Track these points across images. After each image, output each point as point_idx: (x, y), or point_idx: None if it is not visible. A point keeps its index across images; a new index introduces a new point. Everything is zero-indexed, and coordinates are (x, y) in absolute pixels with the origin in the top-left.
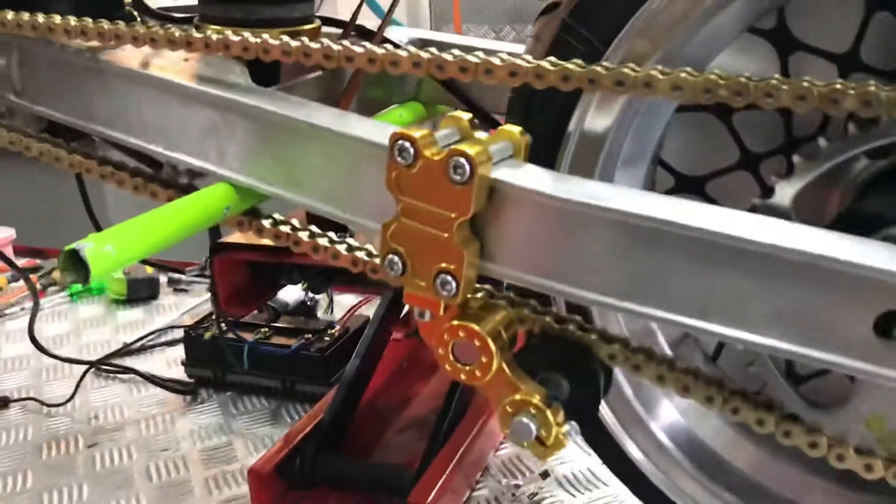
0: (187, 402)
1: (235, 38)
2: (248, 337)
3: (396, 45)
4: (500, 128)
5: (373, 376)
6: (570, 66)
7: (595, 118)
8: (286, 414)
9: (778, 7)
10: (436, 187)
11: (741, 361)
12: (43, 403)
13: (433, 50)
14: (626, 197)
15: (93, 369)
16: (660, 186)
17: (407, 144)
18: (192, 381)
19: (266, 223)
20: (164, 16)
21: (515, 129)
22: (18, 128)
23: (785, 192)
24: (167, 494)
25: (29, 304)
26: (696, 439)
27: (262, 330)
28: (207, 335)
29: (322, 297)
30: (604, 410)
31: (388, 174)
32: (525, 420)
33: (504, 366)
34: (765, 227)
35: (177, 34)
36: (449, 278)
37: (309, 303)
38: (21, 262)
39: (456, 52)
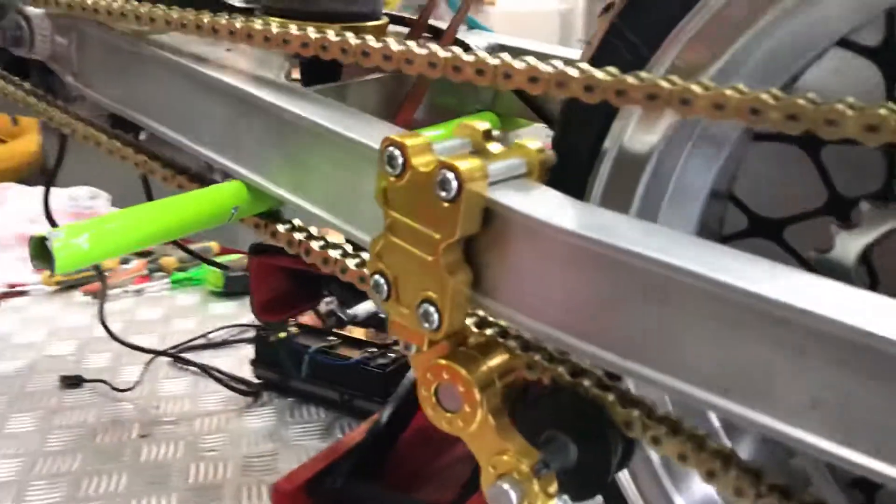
0: (248, 403)
1: (278, 30)
2: (315, 344)
3: (467, 49)
4: (514, 142)
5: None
6: (596, 74)
7: (636, 135)
8: (339, 429)
9: (887, 12)
10: (423, 203)
11: (782, 451)
12: (112, 387)
13: (505, 56)
14: (642, 235)
15: (169, 359)
16: (729, 227)
17: (396, 152)
18: (259, 382)
19: (281, 228)
20: (225, 4)
21: (533, 145)
22: (87, 119)
23: (848, 247)
24: (197, 497)
25: (133, 287)
26: None
27: (330, 338)
28: (275, 337)
29: None
30: (624, 479)
31: (377, 184)
32: (506, 487)
33: (490, 419)
34: (805, 289)
35: (222, 22)
36: (431, 309)
37: (381, 314)
38: None
39: (530, 59)
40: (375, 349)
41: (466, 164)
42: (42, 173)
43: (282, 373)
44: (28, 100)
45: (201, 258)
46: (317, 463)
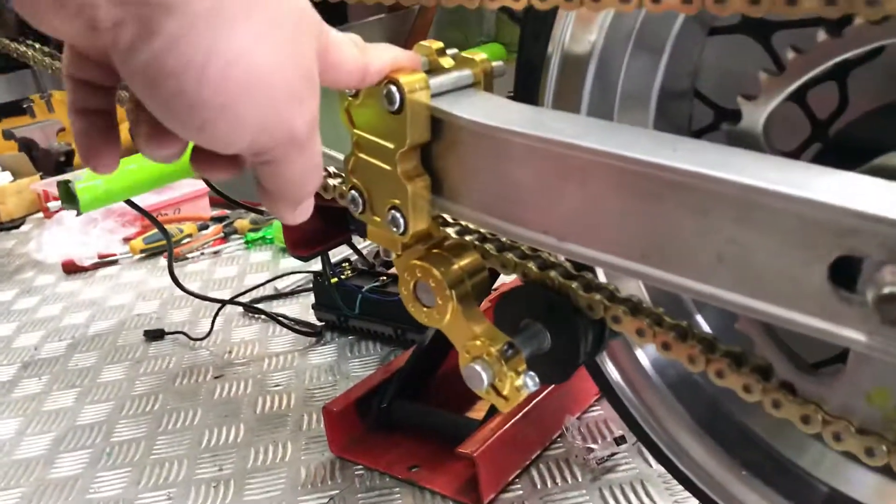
0: (311, 343)
1: None
2: (366, 284)
3: None
4: (460, 55)
5: None
6: None
7: (575, 37)
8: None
9: None
10: (377, 117)
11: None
12: (189, 337)
13: None
14: (564, 125)
15: (240, 309)
16: (697, 122)
17: None
18: (322, 324)
19: None
20: None
21: (478, 57)
22: None
23: (753, 117)
24: (264, 425)
25: (211, 249)
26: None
27: (381, 278)
28: (330, 282)
29: None
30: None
31: (340, 105)
32: (477, 368)
33: (461, 310)
34: (702, 155)
35: None
36: (398, 215)
37: None
38: (215, 211)
39: None
40: None
41: (408, 78)
42: None
43: (340, 314)
44: None
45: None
46: (363, 386)
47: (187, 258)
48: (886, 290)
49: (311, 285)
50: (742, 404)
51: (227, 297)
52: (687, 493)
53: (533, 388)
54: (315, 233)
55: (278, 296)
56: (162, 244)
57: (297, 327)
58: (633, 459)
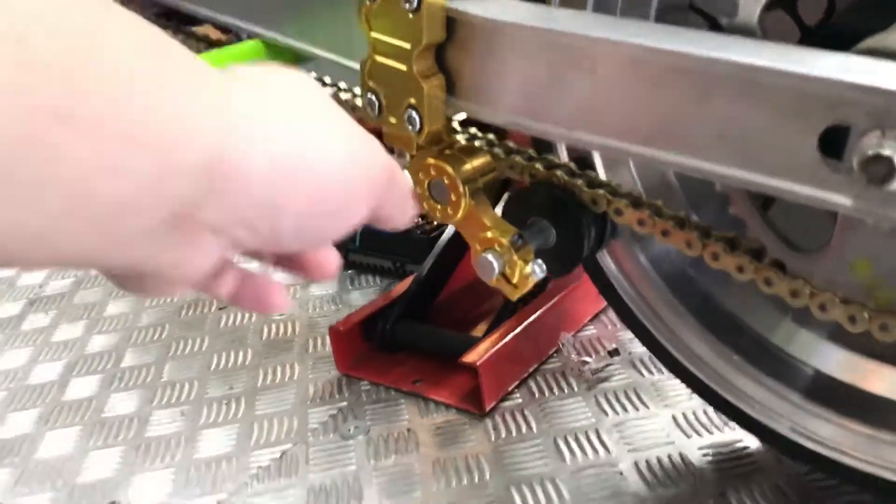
0: (318, 280)
1: None
2: None
3: None
4: None
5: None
6: None
7: None
8: None
9: None
10: (394, 19)
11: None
12: None
13: None
14: (570, 18)
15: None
16: None
17: None
18: None
19: None
20: None
21: None
22: None
23: (748, 9)
24: (270, 349)
25: None
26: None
27: None
28: None
29: None
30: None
31: (357, 11)
32: (489, 257)
33: (473, 205)
34: (696, 40)
35: None
36: (414, 114)
37: None
38: None
39: None
40: (420, 219)
41: None
42: None
43: (339, 248)
44: None
45: None
46: (368, 308)
47: None
48: (871, 152)
49: None
50: (731, 293)
51: None
52: (676, 397)
53: (540, 274)
54: None
55: None
56: None
57: None
58: (625, 371)
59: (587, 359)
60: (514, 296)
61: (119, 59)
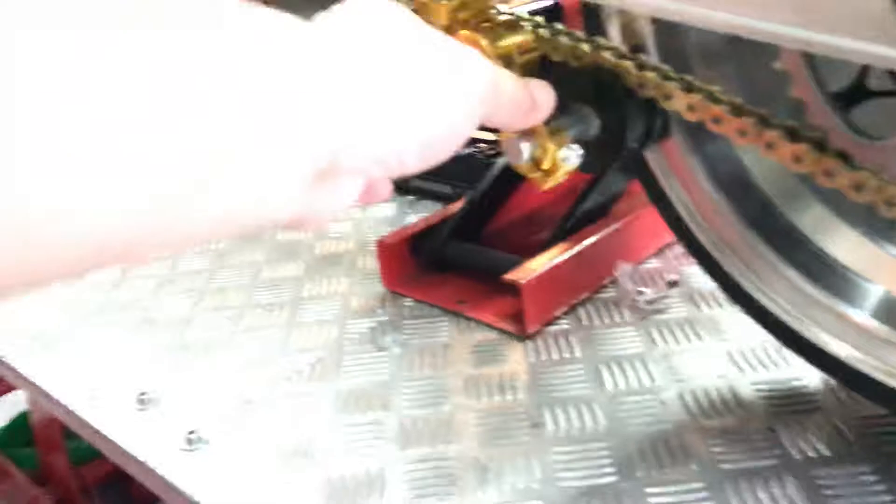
0: (373, 203)
1: None
2: None
3: None
4: None
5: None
6: None
7: None
8: None
9: None
10: None
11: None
12: None
13: None
14: None
15: None
16: None
17: None
18: None
19: None
20: None
21: None
22: None
23: None
24: (320, 262)
25: None
26: None
27: None
28: None
29: None
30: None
31: None
32: (517, 141)
33: None
34: None
35: None
36: None
37: None
38: None
39: None
40: (483, 142)
41: None
42: None
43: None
44: None
45: None
46: (419, 225)
47: None
48: None
49: None
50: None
51: None
52: (734, 332)
53: (575, 161)
54: None
55: None
56: None
57: None
58: (683, 304)
59: (643, 289)
60: (545, 185)
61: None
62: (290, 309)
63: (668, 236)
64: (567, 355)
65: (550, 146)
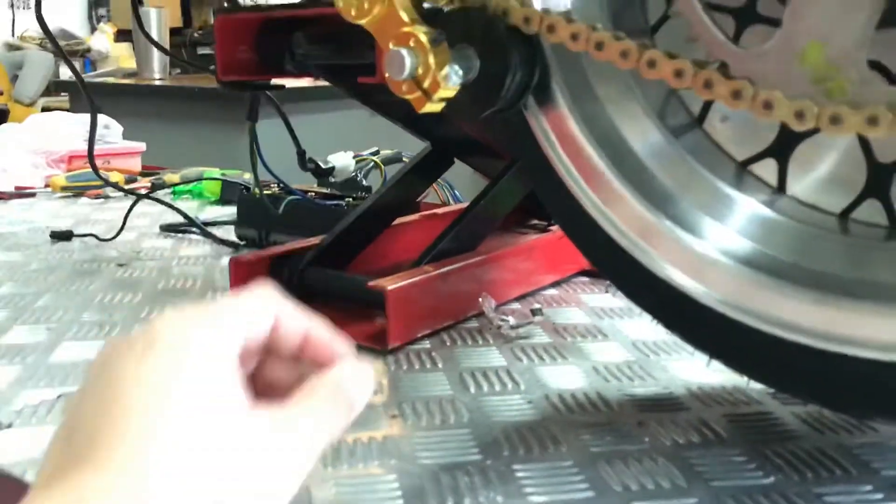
0: (228, 253)
1: None
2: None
3: None
4: None
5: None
6: None
7: None
8: None
9: None
10: None
11: None
12: (98, 238)
13: None
14: None
15: (157, 230)
16: None
17: None
18: (242, 242)
19: None
20: None
21: None
22: None
23: None
24: (164, 294)
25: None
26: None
27: (309, 194)
28: (256, 192)
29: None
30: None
31: None
32: (402, 51)
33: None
34: None
35: None
36: None
37: (358, 177)
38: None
39: None
40: (352, 198)
41: None
42: None
43: (261, 227)
44: None
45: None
46: (280, 248)
47: (109, 197)
48: None
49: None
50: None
51: (147, 226)
52: (598, 355)
53: (456, 80)
54: (249, 62)
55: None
56: (84, 185)
57: (214, 236)
58: (547, 333)
59: (506, 317)
60: (422, 108)
61: None
62: (123, 326)
63: (533, 282)
64: (429, 366)
65: (433, 62)
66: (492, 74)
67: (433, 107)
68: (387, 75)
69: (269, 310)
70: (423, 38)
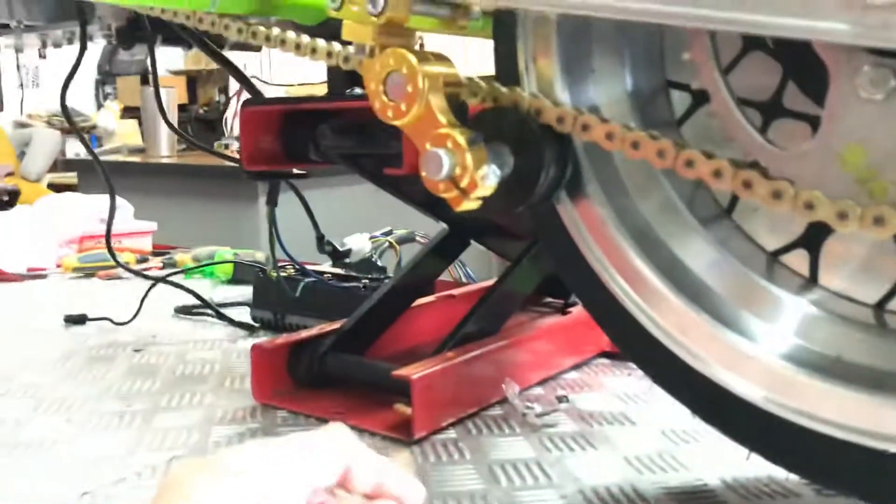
0: (244, 336)
1: None
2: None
3: None
4: None
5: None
6: None
7: None
8: None
9: None
10: None
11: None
12: (113, 322)
13: None
14: None
15: (171, 311)
16: None
17: None
18: (258, 324)
19: (254, 20)
20: None
21: None
22: None
23: None
24: (182, 380)
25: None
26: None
27: (324, 275)
28: (273, 275)
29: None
30: None
31: None
32: (440, 152)
33: (432, 98)
34: None
35: None
36: None
37: (373, 257)
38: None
39: None
40: (368, 281)
41: None
42: None
43: (277, 309)
44: None
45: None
46: (299, 335)
47: (121, 277)
48: None
49: (245, 301)
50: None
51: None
52: (628, 443)
53: (494, 181)
54: (274, 152)
55: (210, 305)
56: (96, 265)
57: (230, 318)
58: (574, 421)
59: (532, 404)
60: (459, 206)
61: None
62: (143, 416)
63: (555, 365)
64: (457, 457)
65: (470, 163)
66: (526, 171)
67: (470, 205)
68: (423, 174)
69: (341, 459)
70: (461, 140)
